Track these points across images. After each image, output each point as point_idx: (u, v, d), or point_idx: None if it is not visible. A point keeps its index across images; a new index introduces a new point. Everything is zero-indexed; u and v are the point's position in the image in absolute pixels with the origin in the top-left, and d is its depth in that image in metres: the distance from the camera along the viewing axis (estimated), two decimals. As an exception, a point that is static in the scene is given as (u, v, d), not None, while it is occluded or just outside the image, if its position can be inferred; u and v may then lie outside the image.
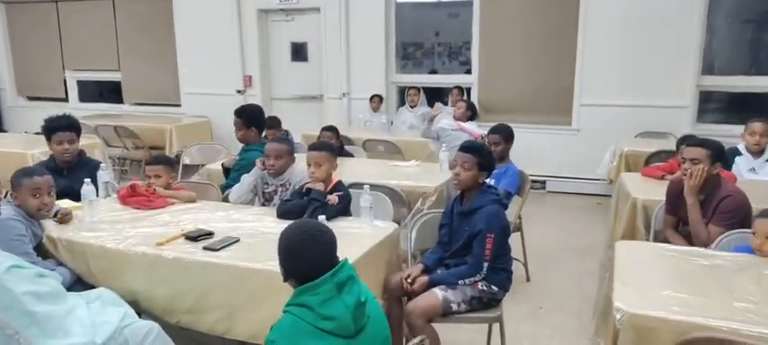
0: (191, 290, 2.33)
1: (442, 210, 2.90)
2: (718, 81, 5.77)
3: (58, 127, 3.39)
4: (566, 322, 3.31)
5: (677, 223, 2.91)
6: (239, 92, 7.53)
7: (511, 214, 3.55)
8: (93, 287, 2.43)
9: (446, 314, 2.45)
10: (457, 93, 6.27)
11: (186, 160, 5.09)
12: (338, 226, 2.67)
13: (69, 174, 3.35)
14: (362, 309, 1.58)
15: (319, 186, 2.84)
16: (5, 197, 2.57)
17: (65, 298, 2.03)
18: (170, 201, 3.10)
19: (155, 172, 3.19)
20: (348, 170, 3.80)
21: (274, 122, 5.00)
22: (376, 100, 6.52)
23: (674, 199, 2.89)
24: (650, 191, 3.29)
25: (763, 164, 3.85)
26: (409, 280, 2.56)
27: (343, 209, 2.86)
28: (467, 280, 2.48)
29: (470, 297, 2.48)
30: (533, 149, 5.97)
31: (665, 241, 2.90)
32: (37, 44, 8.75)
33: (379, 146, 5.35)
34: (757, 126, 3.86)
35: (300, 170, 3.23)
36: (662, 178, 3.66)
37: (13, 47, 8.97)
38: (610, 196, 5.72)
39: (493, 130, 3.92)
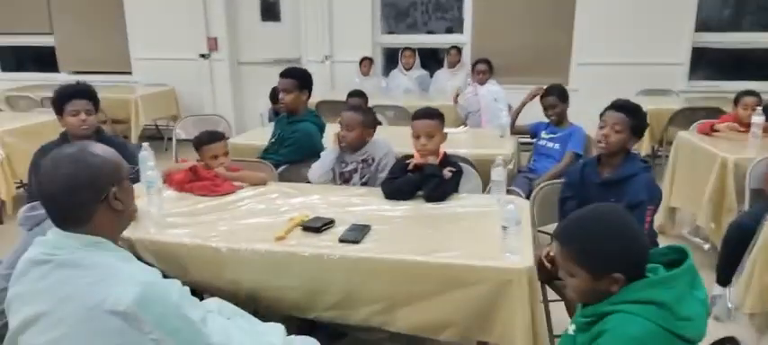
0: (333, 287, 1.92)
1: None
2: (711, 38, 5.89)
3: (73, 93, 2.76)
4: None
5: (784, 181, 2.85)
6: (203, 56, 6.78)
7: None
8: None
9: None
10: (455, 54, 5.99)
11: (182, 134, 4.46)
12: (470, 205, 2.35)
13: (90, 157, 2.74)
14: (708, 308, 1.29)
15: (432, 160, 2.48)
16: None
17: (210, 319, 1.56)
18: (238, 185, 2.61)
19: (215, 151, 2.67)
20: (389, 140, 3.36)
21: (277, 92, 4.46)
22: (366, 63, 6.09)
23: (785, 157, 2.82)
24: (735, 149, 3.22)
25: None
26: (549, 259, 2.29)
27: (457, 185, 2.53)
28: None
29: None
30: (531, 110, 5.83)
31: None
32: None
33: (388, 112, 4.97)
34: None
35: (382, 142, 2.84)
36: (710, 132, 3.64)
37: None
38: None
39: (549, 92, 3.72)
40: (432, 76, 6.15)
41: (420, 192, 2.44)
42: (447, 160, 2.54)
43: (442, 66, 6.15)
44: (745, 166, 3.05)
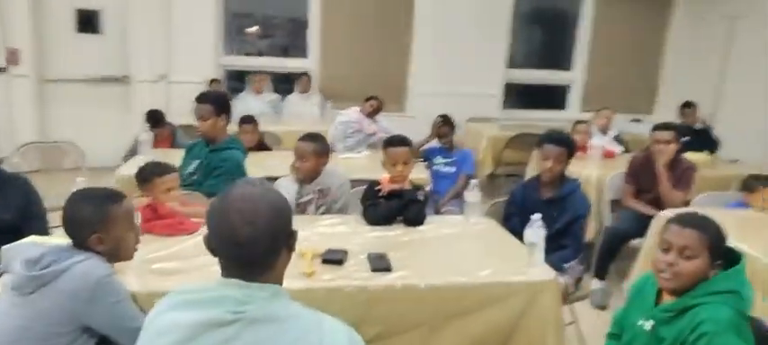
0: (373, 320, 1.89)
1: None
2: (519, 74, 7.01)
3: None
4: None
5: (636, 192, 3.62)
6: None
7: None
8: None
9: (565, 298, 2.58)
10: (306, 81, 6.05)
11: (23, 165, 3.69)
12: (450, 227, 2.52)
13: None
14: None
15: (407, 185, 2.58)
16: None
17: None
18: (201, 221, 2.35)
19: (170, 184, 2.36)
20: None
21: (158, 116, 4.05)
22: (215, 85, 5.76)
23: (637, 172, 3.60)
24: (589, 167, 3.97)
25: (610, 140, 4.98)
26: None
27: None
28: (571, 263, 2.66)
29: (576, 279, 2.67)
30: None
31: (628, 207, 3.60)
32: None
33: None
34: (605, 112, 5.00)
35: (338, 172, 2.83)
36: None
37: None
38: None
39: (445, 122, 4.09)
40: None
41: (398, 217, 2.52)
42: (414, 184, 2.66)
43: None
44: (603, 181, 3.79)
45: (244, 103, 5.89)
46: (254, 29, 6.70)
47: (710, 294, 1.54)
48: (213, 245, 1.17)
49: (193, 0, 5.97)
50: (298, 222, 2.41)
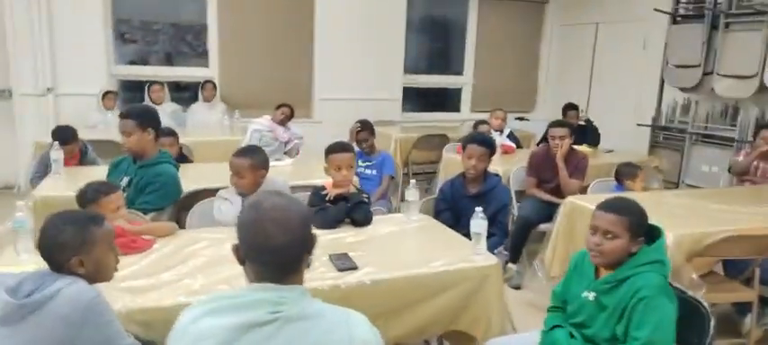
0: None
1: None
2: (415, 79, 7.38)
3: None
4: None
5: (538, 183, 4.05)
6: None
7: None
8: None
9: (497, 279, 2.87)
10: (211, 89, 5.93)
11: None
12: (393, 225, 2.71)
13: None
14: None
15: (352, 189, 2.73)
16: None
17: None
18: (151, 239, 2.33)
19: (116, 202, 2.31)
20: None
21: (69, 133, 3.81)
22: (111, 97, 5.47)
23: (538, 165, 4.03)
24: (497, 164, 4.33)
25: (505, 138, 5.44)
26: None
27: (367, 206, 2.83)
28: (499, 248, 2.96)
29: (504, 262, 2.98)
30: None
31: (532, 196, 4.02)
32: None
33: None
34: (499, 113, 5.46)
35: (279, 182, 2.90)
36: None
37: None
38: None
39: (363, 127, 4.25)
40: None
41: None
42: (357, 187, 2.82)
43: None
44: (507, 175, 4.18)
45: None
46: (136, 37, 6.43)
47: (641, 265, 1.85)
48: (243, 254, 1.25)
49: (77, 6, 5.60)
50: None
